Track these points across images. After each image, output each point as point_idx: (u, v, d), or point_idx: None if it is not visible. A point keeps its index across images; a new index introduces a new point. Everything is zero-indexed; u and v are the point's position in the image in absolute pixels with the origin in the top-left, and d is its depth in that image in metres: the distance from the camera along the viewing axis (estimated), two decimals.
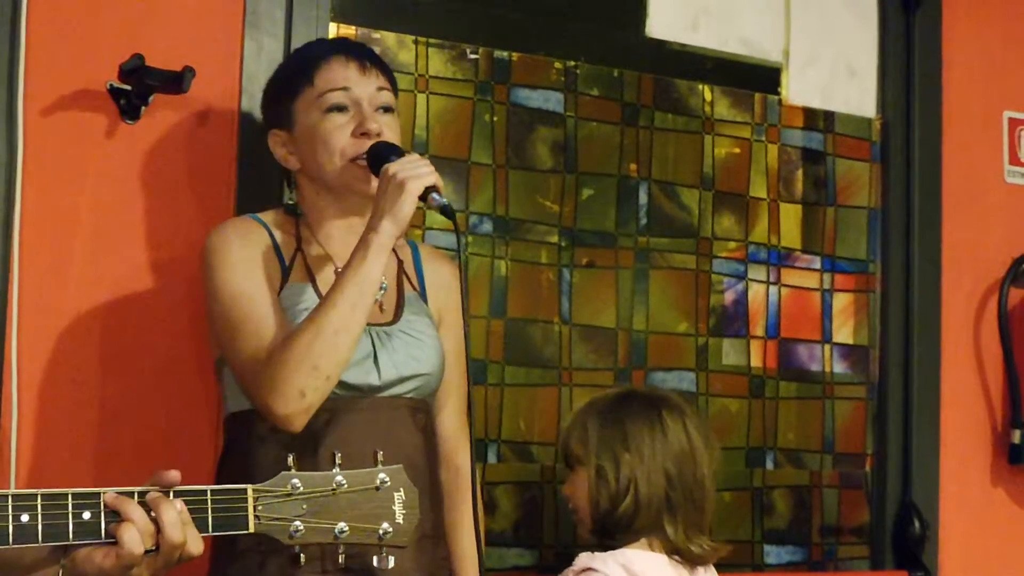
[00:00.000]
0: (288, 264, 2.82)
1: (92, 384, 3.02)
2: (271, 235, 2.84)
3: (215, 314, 2.78)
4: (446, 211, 2.69)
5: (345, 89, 2.82)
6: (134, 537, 2.05)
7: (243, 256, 2.77)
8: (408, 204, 2.66)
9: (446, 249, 3.19)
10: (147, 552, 2.07)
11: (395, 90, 2.92)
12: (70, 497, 2.06)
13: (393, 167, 2.68)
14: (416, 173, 2.67)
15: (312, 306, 2.72)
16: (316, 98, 2.82)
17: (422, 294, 2.97)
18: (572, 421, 3.13)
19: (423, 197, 2.67)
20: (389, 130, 2.83)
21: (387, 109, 2.85)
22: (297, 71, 2.88)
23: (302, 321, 2.68)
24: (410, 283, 2.95)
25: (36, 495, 2.05)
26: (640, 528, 3.04)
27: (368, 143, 2.79)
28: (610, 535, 3.06)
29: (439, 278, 3.01)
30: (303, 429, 2.65)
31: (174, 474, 2.11)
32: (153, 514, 2.07)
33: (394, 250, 2.89)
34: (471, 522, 2.94)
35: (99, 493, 2.08)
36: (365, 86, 2.83)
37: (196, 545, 2.11)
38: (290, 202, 2.91)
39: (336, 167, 2.81)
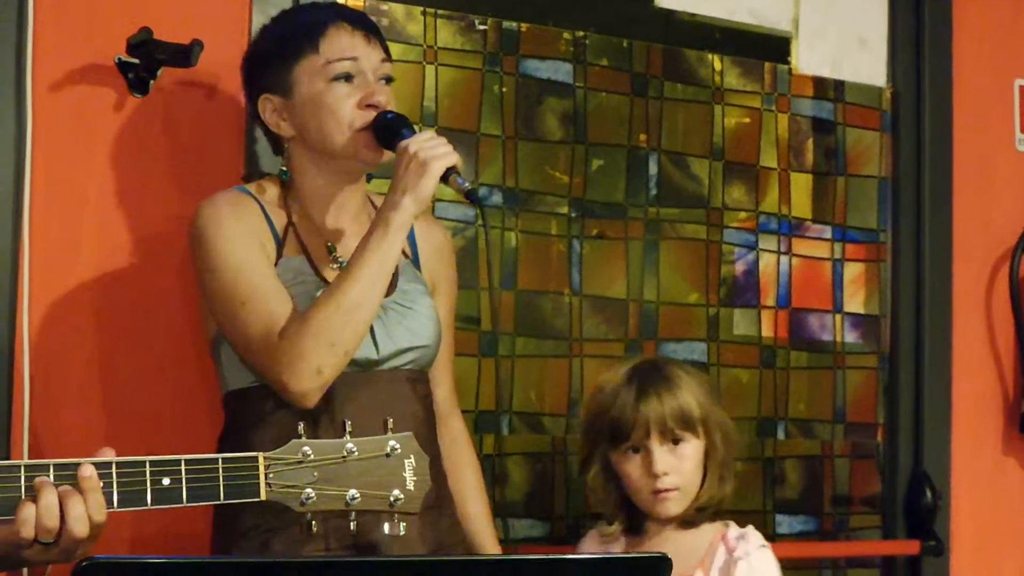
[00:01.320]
0: (281, 237, 2.81)
1: (102, 359, 3.02)
2: (262, 207, 2.82)
3: (213, 290, 2.74)
4: (471, 196, 2.67)
5: (353, 59, 2.79)
6: (27, 519, 2.05)
7: (239, 229, 2.75)
8: (430, 184, 2.65)
9: (460, 222, 3.19)
10: (42, 542, 2.07)
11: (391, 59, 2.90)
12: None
13: (413, 145, 2.66)
14: (437, 153, 2.65)
15: (308, 280, 2.73)
16: (322, 66, 2.79)
17: (415, 261, 2.95)
18: (680, 390, 2.99)
19: (444, 178, 2.66)
20: (392, 101, 2.81)
21: (388, 80, 2.84)
22: (298, 35, 2.82)
23: (319, 296, 2.67)
24: (402, 251, 2.93)
25: None
26: (721, 509, 3.06)
27: (374, 114, 2.78)
28: (700, 513, 3.03)
29: (431, 245, 3.00)
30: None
31: (106, 451, 2.12)
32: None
33: None
34: (474, 477, 3.00)
35: (48, 465, 2.09)
36: (371, 56, 2.81)
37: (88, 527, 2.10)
38: (283, 168, 2.87)
39: (345, 137, 2.78)
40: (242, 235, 2.75)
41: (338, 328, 2.62)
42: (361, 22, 2.85)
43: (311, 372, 2.62)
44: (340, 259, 2.81)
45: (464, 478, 2.99)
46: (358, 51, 2.80)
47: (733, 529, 3.08)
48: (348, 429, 2.26)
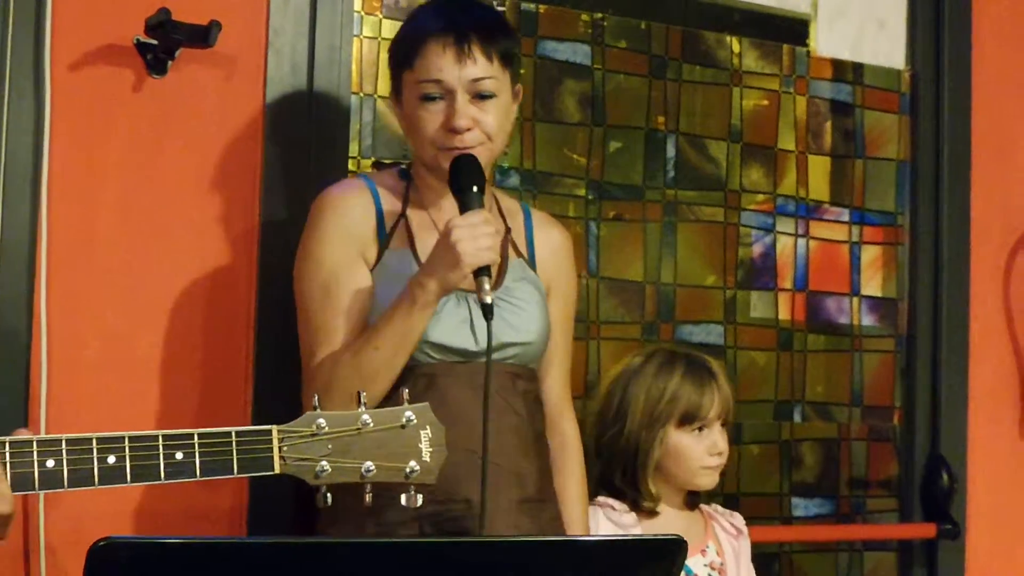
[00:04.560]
0: (389, 231, 2.84)
1: (121, 338, 3.02)
2: (376, 199, 2.86)
3: (298, 289, 2.84)
4: (486, 308, 2.65)
5: (437, 81, 2.79)
6: None
7: (340, 231, 2.81)
8: (457, 279, 2.66)
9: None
10: None
11: (506, 59, 2.85)
12: None
13: (456, 230, 2.65)
14: (474, 248, 2.64)
15: (412, 273, 2.73)
16: (414, 83, 2.82)
17: (531, 261, 2.97)
18: (727, 380, 3.26)
19: (475, 274, 2.66)
20: (490, 116, 2.81)
21: (486, 96, 2.82)
22: (404, 47, 2.85)
23: (343, 355, 2.71)
24: (516, 250, 2.95)
25: None
26: None
27: (456, 139, 2.78)
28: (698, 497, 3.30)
29: (549, 246, 3.02)
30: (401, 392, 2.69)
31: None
32: None
33: (502, 215, 2.95)
34: (577, 488, 3.00)
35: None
36: (460, 75, 2.79)
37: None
38: (404, 165, 2.93)
39: (428, 154, 2.83)
40: (341, 238, 2.81)
41: (355, 387, 2.60)
42: (460, 32, 2.81)
43: None
44: None
45: (567, 486, 3.00)
46: (444, 72, 2.79)
47: (704, 506, 3.34)
48: (363, 401, 2.26)
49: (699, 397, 3.18)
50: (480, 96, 2.80)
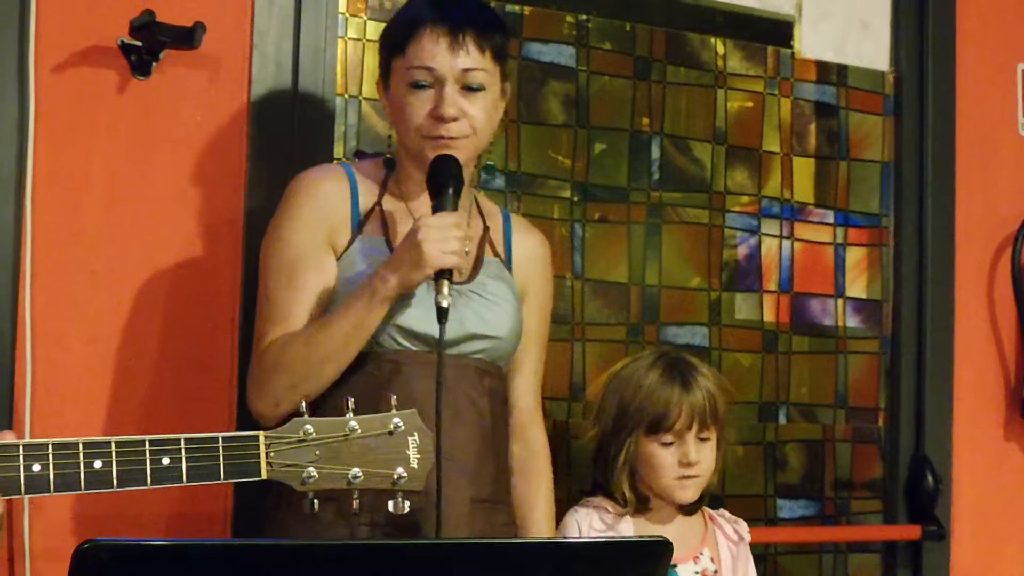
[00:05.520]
0: (363, 218, 2.83)
1: (106, 342, 3.02)
2: (353, 185, 2.85)
3: (263, 266, 2.84)
4: (440, 313, 2.66)
5: (428, 69, 2.79)
6: None
7: (312, 214, 2.80)
8: (419, 278, 2.67)
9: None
10: None
11: (498, 54, 2.86)
12: None
13: (423, 231, 2.65)
14: (440, 249, 2.64)
15: (382, 260, 2.73)
16: (405, 69, 2.81)
17: (507, 264, 2.97)
18: (710, 384, 3.15)
19: (436, 275, 2.66)
20: (477, 109, 2.81)
21: (475, 88, 2.81)
22: (397, 33, 2.85)
23: (296, 338, 2.71)
24: (492, 249, 2.95)
25: None
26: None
27: (442, 128, 2.78)
28: (702, 499, 3.21)
29: (525, 251, 3.02)
30: (367, 377, 2.70)
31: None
32: None
33: (481, 215, 2.95)
34: (544, 497, 2.99)
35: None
36: (451, 64, 2.79)
37: None
38: (388, 156, 2.93)
39: (413, 142, 2.82)
40: (312, 223, 2.79)
41: (302, 375, 2.67)
42: (454, 22, 2.81)
43: (270, 402, 2.71)
44: None
45: (538, 490, 2.99)
46: (437, 60, 2.79)
47: (707, 509, 3.27)
48: (351, 407, 2.26)
49: (665, 407, 3.09)
50: (469, 88, 2.80)
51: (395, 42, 2.84)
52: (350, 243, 2.81)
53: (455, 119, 2.78)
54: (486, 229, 2.96)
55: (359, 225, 2.83)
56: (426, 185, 2.77)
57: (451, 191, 2.73)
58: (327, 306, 2.76)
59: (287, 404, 2.66)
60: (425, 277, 2.66)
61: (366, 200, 2.85)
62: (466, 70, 2.79)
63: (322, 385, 2.68)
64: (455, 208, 2.72)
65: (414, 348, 2.75)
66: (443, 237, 2.65)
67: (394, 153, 2.93)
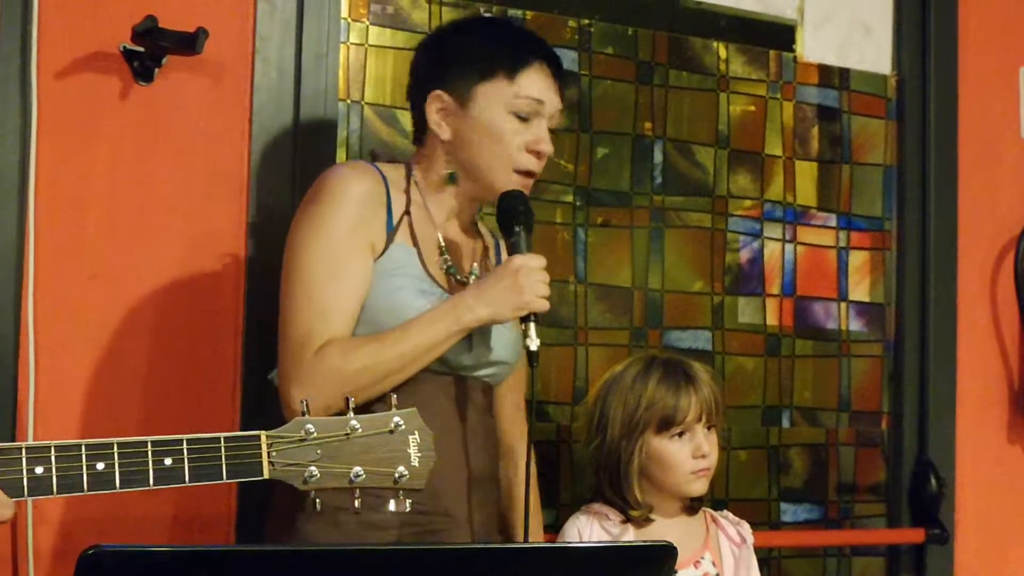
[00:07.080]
0: (396, 223, 2.80)
1: (108, 346, 3.02)
2: (387, 189, 2.82)
3: (299, 260, 2.73)
4: (531, 356, 2.70)
5: (539, 102, 2.80)
6: None
7: (359, 212, 2.75)
8: (510, 316, 2.70)
9: None
10: None
11: None
12: None
13: (523, 271, 2.68)
14: (533, 295, 2.68)
15: (414, 269, 2.74)
16: (512, 97, 2.79)
17: None
18: (707, 378, 3.18)
19: (524, 318, 2.69)
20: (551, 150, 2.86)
21: (552, 130, 2.85)
22: (503, 56, 2.82)
23: (359, 348, 2.66)
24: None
25: None
26: None
27: (536, 163, 2.80)
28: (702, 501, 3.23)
29: None
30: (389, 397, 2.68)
31: None
32: None
33: (480, 234, 2.96)
34: (533, 498, 2.97)
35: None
36: (553, 103, 2.83)
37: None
38: (413, 162, 2.90)
39: (497, 169, 2.81)
40: (356, 221, 2.74)
41: (362, 386, 2.61)
42: (558, 68, 2.86)
43: (320, 403, 2.57)
44: (448, 261, 2.84)
45: (520, 495, 3.00)
46: (546, 96, 2.81)
47: (709, 510, 3.28)
48: (351, 406, 2.26)
49: (675, 401, 3.11)
50: (549, 129, 2.84)
51: (495, 66, 2.80)
52: (385, 248, 2.77)
53: (545, 156, 2.82)
54: (485, 249, 2.98)
55: (393, 230, 2.80)
56: (499, 218, 2.78)
57: (531, 231, 2.76)
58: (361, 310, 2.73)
59: (336, 408, 2.60)
60: (516, 317, 2.69)
61: (397, 206, 2.82)
62: (558, 111, 2.85)
63: (374, 395, 2.64)
64: (532, 248, 2.75)
65: (436, 370, 2.74)
66: (540, 280, 2.69)
67: (417, 161, 2.89)
